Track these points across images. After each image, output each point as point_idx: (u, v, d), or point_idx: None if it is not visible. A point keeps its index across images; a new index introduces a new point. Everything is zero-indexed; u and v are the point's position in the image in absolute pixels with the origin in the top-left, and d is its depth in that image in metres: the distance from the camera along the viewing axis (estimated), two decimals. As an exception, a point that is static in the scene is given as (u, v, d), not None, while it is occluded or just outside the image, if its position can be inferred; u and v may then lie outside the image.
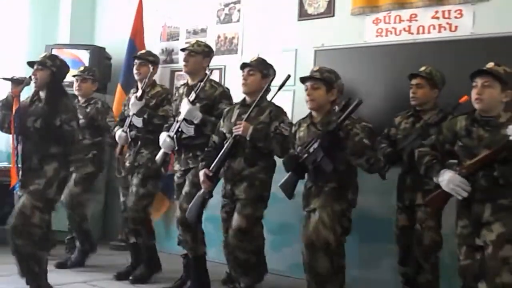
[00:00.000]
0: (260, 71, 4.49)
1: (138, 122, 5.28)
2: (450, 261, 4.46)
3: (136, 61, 5.54)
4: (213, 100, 4.84)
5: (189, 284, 4.92)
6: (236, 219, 4.39)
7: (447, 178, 3.56)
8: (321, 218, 3.97)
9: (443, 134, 3.72)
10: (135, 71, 5.51)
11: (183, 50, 5.05)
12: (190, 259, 5.01)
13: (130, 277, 5.37)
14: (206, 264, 4.92)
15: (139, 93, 5.31)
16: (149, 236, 5.41)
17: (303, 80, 4.19)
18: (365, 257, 5.22)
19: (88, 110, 5.86)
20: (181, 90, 5.09)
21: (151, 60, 5.52)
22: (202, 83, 4.78)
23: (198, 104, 4.77)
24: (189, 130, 4.79)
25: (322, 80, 4.08)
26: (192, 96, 4.79)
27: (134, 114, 5.28)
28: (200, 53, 4.98)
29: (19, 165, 4.36)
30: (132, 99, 5.31)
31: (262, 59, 4.57)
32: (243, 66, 4.52)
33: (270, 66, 4.58)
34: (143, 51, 5.76)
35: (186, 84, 5.05)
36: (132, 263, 5.58)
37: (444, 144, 3.70)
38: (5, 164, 6.21)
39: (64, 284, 5.11)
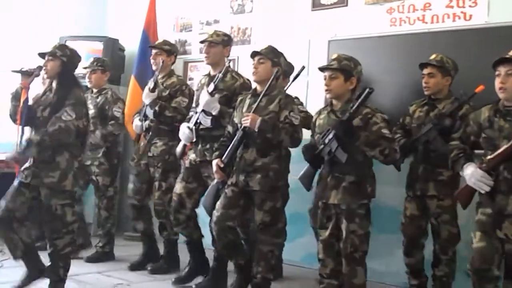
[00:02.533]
0: (270, 59, 4.45)
1: (150, 113, 5.30)
2: (467, 254, 4.44)
3: (152, 50, 5.54)
4: (233, 91, 4.82)
5: (206, 277, 4.93)
6: (258, 214, 4.37)
7: (469, 173, 3.53)
8: (351, 228, 3.94)
9: (470, 126, 3.67)
10: (152, 61, 5.51)
11: (202, 42, 5.03)
12: (194, 244, 5.09)
13: (149, 268, 5.41)
14: (227, 261, 4.89)
15: (152, 84, 5.31)
16: (173, 230, 5.43)
17: (321, 69, 4.15)
18: (378, 248, 5.20)
19: (98, 100, 5.87)
20: (203, 81, 5.07)
21: (166, 49, 5.50)
22: (220, 74, 4.78)
23: (217, 95, 4.76)
24: (206, 121, 4.79)
25: (340, 70, 4.04)
26: (211, 87, 4.79)
27: (147, 105, 5.29)
28: (220, 43, 4.97)
29: (22, 156, 4.38)
30: (146, 89, 5.32)
31: (272, 47, 4.53)
32: (254, 54, 4.50)
33: (281, 54, 4.54)
34: (159, 41, 5.74)
35: (208, 75, 5.04)
36: (144, 252, 5.63)
37: (470, 136, 3.66)
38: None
39: (79, 274, 5.14)
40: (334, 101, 4.10)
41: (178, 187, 5.01)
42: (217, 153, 4.52)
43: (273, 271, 4.52)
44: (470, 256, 3.61)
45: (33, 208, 4.42)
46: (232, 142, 4.40)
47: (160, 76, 5.40)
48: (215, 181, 4.50)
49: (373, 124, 3.91)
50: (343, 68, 4.02)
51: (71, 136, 4.23)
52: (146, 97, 5.29)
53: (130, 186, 5.68)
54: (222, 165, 4.41)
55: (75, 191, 4.37)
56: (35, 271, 4.37)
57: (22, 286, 4.35)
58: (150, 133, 5.40)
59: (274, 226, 4.42)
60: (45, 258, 4.39)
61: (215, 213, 4.44)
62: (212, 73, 4.98)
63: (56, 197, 4.23)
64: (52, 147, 4.19)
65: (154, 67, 5.49)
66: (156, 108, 5.23)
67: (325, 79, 4.06)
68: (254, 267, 4.42)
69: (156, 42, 5.70)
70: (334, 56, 4.14)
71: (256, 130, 4.26)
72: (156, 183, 5.40)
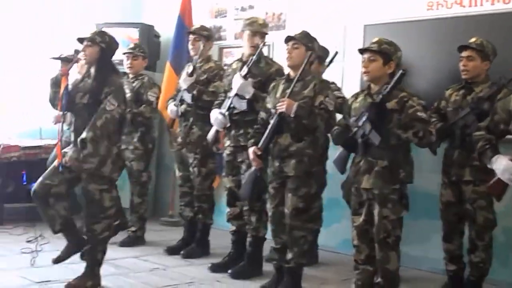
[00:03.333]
0: (304, 44, 4.42)
1: (188, 97, 5.32)
2: (505, 239, 4.40)
3: (190, 36, 5.56)
4: (268, 77, 4.81)
5: (241, 263, 4.95)
6: (291, 199, 4.34)
7: (502, 168, 3.44)
8: (383, 213, 3.90)
9: (498, 114, 3.60)
10: (190, 46, 5.53)
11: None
12: (240, 236, 5.08)
13: (182, 252, 5.46)
14: (262, 246, 4.95)
15: (190, 68, 5.33)
16: (210, 215, 5.53)
17: (361, 51, 4.12)
18: (414, 234, 5.18)
19: (134, 84, 5.91)
20: (234, 65, 5.08)
21: (205, 34, 5.53)
22: (254, 57, 4.77)
23: (250, 79, 4.77)
24: (242, 105, 4.79)
25: (379, 52, 4.01)
26: (244, 70, 4.79)
27: (184, 89, 5.32)
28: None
29: (64, 141, 4.45)
30: (184, 74, 5.35)
31: (306, 32, 4.50)
32: (288, 39, 4.47)
33: (315, 39, 4.50)
34: (197, 26, 5.76)
35: (240, 60, 5.04)
36: (184, 238, 5.68)
37: (499, 124, 3.59)
38: (50, 141, 6.30)
39: (116, 259, 5.21)
40: (372, 85, 4.07)
41: (226, 181, 5.06)
42: (252, 140, 4.51)
43: (306, 257, 4.51)
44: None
45: (72, 191, 4.51)
46: (268, 129, 4.37)
47: (198, 61, 5.42)
48: (253, 168, 4.48)
49: (409, 107, 3.86)
50: (382, 51, 3.98)
51: (116, 124, 4.30)
52: (184, 82, 5.31)
53: (178, 174, 5.75)
54: (259, 153, 4.42)
55: (114, 177, 4.42)
56: (74, 244, 4.46)
57: (61, 258, 4.45)
58: (191, 118, 5.42)
59: (307, 212, 4.40)
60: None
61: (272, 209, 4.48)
62: (244, 58, 4.98)
63: (95, 182, 4.28)
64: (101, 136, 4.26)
65: (192, 53, 5.52)
66: (194, 92, 5.26)
67: (363, 61, 4.04)
68: (287, 253, 4.43)
69: (194, 28, 5.70)
70: (375, 39, 4.08)
71: (292, 116, 4.24)
72: (196, 169, 5.45)
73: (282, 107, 4.25)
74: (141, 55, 6.00)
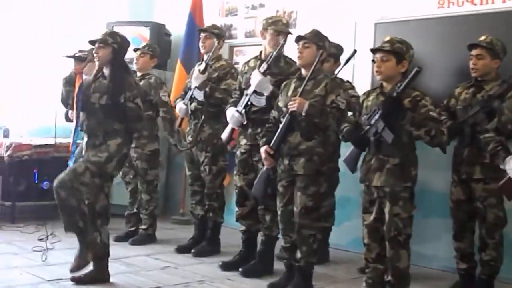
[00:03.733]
0: (315, 43, 4.42)
1: (199, 95, 5.32)
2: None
3: (201, 34, 5.57)
4: (287, 75, 4.76)
5: (252, 262, 4.95)
6: (301, 198, 4.33)
7: None
8: (394, 211, 3.91)
9: (505, 115, 3.59)
10: (200, 44, 5.55)
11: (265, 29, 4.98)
12: (250, 235, 5.09)
13: (193, 250, 5.47)
14: (274, 245, 4.95)
15: (203, 66, 5.34)
16: (220, 213, 5.53)
17: (373, 51, 4.12)
18: (425, 233, 5.17)
19: (141, 83, 5.90)
20: (252, 63, 5.06)
21: (216, 33, 5.53)
22: (275, 53, 4.76)
23: (269, 77, 4.76)
24: (260, 101, 4.77)
25: (392, 52, 4.01)
26: (264, 67, 4.77)
27: (196, 87, 5.32)
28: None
29: (77, 141, 4.46)
30: (195, 72, 5.36)
31: (317, 31, 4.50)
32: (298, 39, 4.48)
33: (326, 38, 4.50)
34: (208, 24, 5.75)
35: (258, 58, 5.03)
36: (194, 236, 5.69)
37: (506, 125, 3.57)
38: (63, 140, 6.32)
39: (128, 257, 5.23)
40: (384, 84, 4.07)
41: (238, 180, 5.04)
42: (264, 139, 4.51)
43: (316, 255, 4.50)
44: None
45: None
46: (280, 128, 4.37)
47: (210, 59, 5.42)
48: (265, 167, 4.49)
49: (422, 107, 3.88)
50: (395, 51, 3.99)
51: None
52: (196, 79, 5.31)
53: (188, 173, 5.76)
54: (271, 152, 4.42)
55: (114, 174, 4.46)
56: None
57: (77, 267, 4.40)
58: (202, 116, 5.42)
59: (316, 211, 4.40)
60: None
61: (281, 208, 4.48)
62: (264, 57, 4.95)
63: (89, 162, 4.29)
64: (106, 133, 4.27)
65: (202, 51, 5.53)
66: (207, 89, 5.26)
67: (375, 61, 4.04)
68: (297, 252, 4.43)
69: (205, 26, 5.70)
70: (387, 38, 4.09)
71: (304, 114, 4.24)
72: (207, 167, 5.46)
73: (293, 106, 4.25)
74: (149, 53, 5.97)
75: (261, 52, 5.03)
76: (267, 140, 4.46)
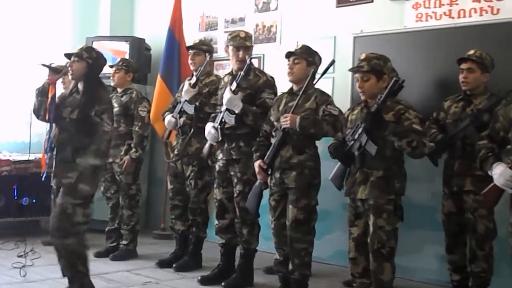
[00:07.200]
0: (305, 59, 4.46)
1: (189, 109, 5.33)
2: (499, 249, 4.41)
3: (190, 51, 5.57)
4: (256, 89, 4.84)
5: (234, 275, 4.95)
6: (292, 211, 4.37)
7: (498, 172, 3.46)
8: (378, 224, 3.94)
9: (500, 122, 3.60)
10: (189, 61, 5.55)
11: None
12: (229, 248, 5.09)
13: (174, 265, 5.45)
14: (254, 258, 4.97)
15: (193, 80, 5.35)
16: (203, 228, 5.52)
17: (352, 71, 4.15)
18: (409, 245, 5.18)
19: (123, 99, 5.90)
20: (226, 79, 5.10)
21: (204, 49, 5.56)
22: (242, 72, 4.80)
23: (240, 94, 4.78)
24: (231, 120, 4.80)
25: (371, 71, 4.04)
26: (234, 85, 4.81)
27: (186, 100, 5.33)
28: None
29: (50, 154, 4.39)
30: (186, 86, 5.36)
31: (306, 46, 4.54)
32: (289, 55, 4.50)
33: (315, 53, 4.54)
34: (196, 41, 5.74)
35: (231, 73, 5.06)
36: (176, 251, 5.67)
37: (499, 132, 3.59)
38: (39, 155, 6.26)
39: (108, 273, 5.19)
40: (368, 100, 4.09)
41: (217, 193, 5.06)
42: (258, 154, 4.54)
43: (309, 267, 4.50)
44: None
45: None
46: (273, 143, 4.43)
47: (200, 74, 5.41)
48: (258, 182, 4.53)
49: (405, 119, 3.92)
50: (374, 69, 4.01)
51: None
52: (186, 93, 5.32)
53: (170, 187, 5.73)
54: (265, 166, 4.44)
55: (90, 192, 4.29)
56: None
57: None
58: (191, 130, 5.41)
59: (307, 224, 4.42)
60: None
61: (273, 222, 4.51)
62: (235, 72, 4.99)
63: (70, 196, 4.18)
64: (75, 149, 4.21)
65: (192, 67, 5.53)
66: (197, 103, 5.27)
67: (357, 80, 4.07)
68: (290, 265, 4.43)
69: (193, 42, 5.69)
70: (363, 56, 4.11)
71: (298, 129, 4.27)
72: (192, 181, 5.44)
73: (286, 122, 4.28)
74: (123, 69, 5.94)
75: (232, 68, 5.08)
76: (260, 155, 4.49)
